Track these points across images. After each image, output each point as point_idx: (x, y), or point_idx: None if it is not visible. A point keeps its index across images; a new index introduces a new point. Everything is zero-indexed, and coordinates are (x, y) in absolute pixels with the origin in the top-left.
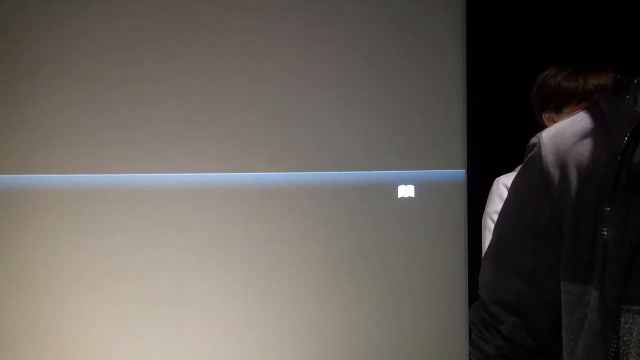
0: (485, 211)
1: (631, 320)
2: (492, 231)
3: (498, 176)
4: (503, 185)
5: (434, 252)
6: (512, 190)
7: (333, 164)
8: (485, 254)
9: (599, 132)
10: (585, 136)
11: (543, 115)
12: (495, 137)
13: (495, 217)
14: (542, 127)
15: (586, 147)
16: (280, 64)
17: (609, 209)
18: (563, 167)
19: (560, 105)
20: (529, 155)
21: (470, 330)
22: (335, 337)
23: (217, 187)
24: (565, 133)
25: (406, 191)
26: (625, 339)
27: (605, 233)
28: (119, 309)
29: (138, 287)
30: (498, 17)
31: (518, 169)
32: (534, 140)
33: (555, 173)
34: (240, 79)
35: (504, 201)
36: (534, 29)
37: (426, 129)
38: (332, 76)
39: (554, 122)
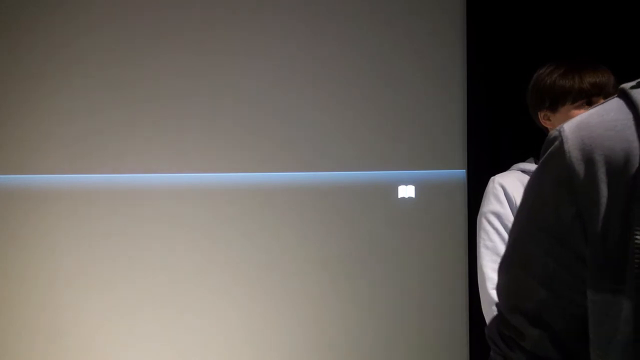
0: (481, 210)
1: None
2: (488, 232)
3: None
4: (498, 184)
5: (434, 252)
6: (530, 189)
7: (333, 164)
8: (501, 261)
9: (628, 125)
10: (613, 128)
11: (539, 113)
12: (495, 137)
13: (491, 217)
14: (539, 126)
15: (615, 140)
16: (281, 64)
17: None
18: (589, 162)
19: (556, 103)
20: (549, 150)
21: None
22: (336, 337)
23: (217, 187)
24: (590, 124)
25: (406, 191)
26: None
27: (639, 237)
28: (118, 309)
29: (137, 287)
30: (498, 17)
31: (513, 168)
32: (554, 133)
33: (580, 169)
34: (241, 79)
35: (499, 201)
36: (534, 29)
37: (426, 129)
38: (332, 76)
39: (550, 120)
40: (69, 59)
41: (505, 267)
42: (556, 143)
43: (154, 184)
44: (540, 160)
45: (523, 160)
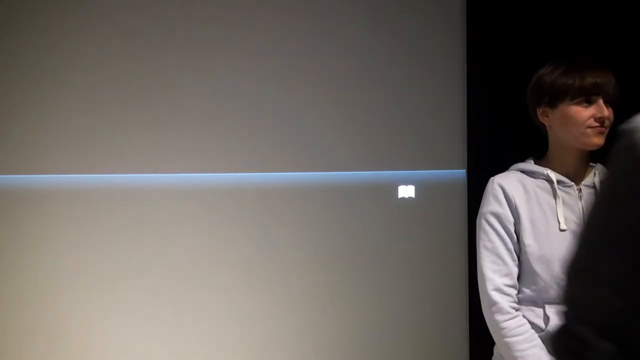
0: (480, 211)
1: None
2: (487, 232)
3: None
4: (498, 185)
5: (434, 252)
6: (604, 188)
7: (333, 164)
8: (568, 267)
9: None
10: None
11: (537, 109)
12: (495, 137)
13: (490, 218)
14: (536, 123)
15: None
16: (280, 64)
17: None
18: None
19: (555, 99)
20: (619, 144)
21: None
22: (335, 336)
23: (217, 187)
24: None
25: (406, 191)
26: None
27: None
28: (119, 309)
29: (137, 287)
30: (498, 17)
31: (512, 168)
32: (626, 126)
33: None
34: (241, 79)
35: (498, 201)
36: (534, 29)
37: (426, 129)
38: (332, 76)
39: (547, 117)
40: (69, 59)
41: (574, 273)
42: (626, 134)
43: (154, 184)
44: (611, 156)
45: (523, 161)
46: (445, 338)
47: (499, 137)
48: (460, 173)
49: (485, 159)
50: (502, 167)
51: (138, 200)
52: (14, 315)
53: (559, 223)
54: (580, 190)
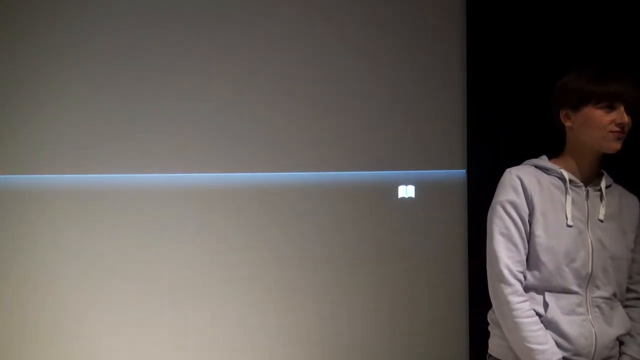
0: (496, 199)
1: None
2: (504, 219)
3: (498, 176)
4: (516, 176)
5: (434, 252)
6: None
7: (333, 164)
8: None
9: None
10: None
11: (560, 111)
12: (495, 137)
13: (508, 206)
14: (557, 126)
15: None
16: (281, 64)
17: None
18: None
19: (579, 103)
20: None
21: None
22: (335, 336)
23: (217, 187)
24: None
25: (406, 191)
26: None
27: None
28: (119, 309)
29: (138, 287)
30: (498, 17)
31: (527, 163)
32: None
33: None
34: (240, 79)
35: (516, 191)
36: (535, 30)
37: (426, 129)
38: (333, 76)
39: (569, 119)
40: (70, 59)
41: None
42: None
43: (155, 184)
44: None
45: (522, 161)
46: (445, 338)
47: (499, 137)
48: (460, 173)
49: (485, 159)
50: (502, 167)
51: (138, 200)
52: (14, 315)
53: (567, 219)
54: (587, 191)
